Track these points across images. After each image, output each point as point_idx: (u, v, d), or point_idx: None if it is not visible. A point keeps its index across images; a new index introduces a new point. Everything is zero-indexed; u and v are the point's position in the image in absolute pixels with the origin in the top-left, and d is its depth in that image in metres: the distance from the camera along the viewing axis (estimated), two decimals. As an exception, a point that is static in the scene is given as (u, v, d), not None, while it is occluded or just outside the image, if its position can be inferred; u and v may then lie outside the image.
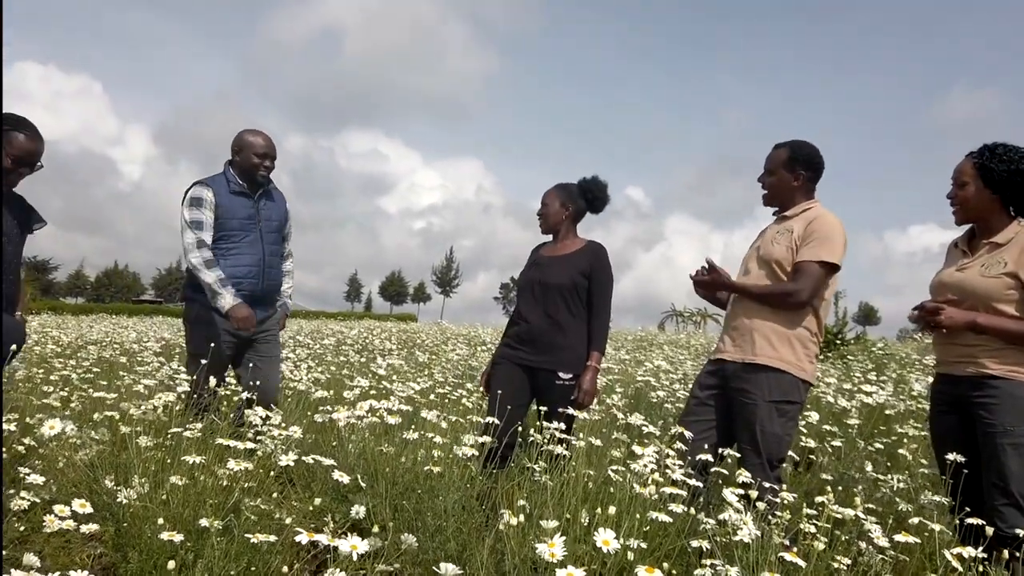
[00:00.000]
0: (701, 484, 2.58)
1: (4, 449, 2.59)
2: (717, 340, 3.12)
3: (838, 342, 10.00)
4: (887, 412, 4.88)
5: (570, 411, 2.98)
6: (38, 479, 2.20)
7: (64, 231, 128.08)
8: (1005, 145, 2.62)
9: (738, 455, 2.80)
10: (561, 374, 3.26)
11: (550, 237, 3.61)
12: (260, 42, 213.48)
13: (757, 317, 2.89)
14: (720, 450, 2.83)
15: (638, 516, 2.03)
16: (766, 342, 2.85)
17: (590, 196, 3.57)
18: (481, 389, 3.73)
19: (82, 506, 1.99)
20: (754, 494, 2.26)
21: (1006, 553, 2.15)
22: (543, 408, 3.08)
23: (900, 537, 1.93)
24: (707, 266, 2.99)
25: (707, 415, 2.98)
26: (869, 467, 3.55)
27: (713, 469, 2.71)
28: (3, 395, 2.47)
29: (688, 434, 2.83)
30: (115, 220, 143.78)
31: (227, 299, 3.51)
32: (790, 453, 3.63)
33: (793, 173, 2.97)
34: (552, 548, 1.74)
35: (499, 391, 3.23)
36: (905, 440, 3.96)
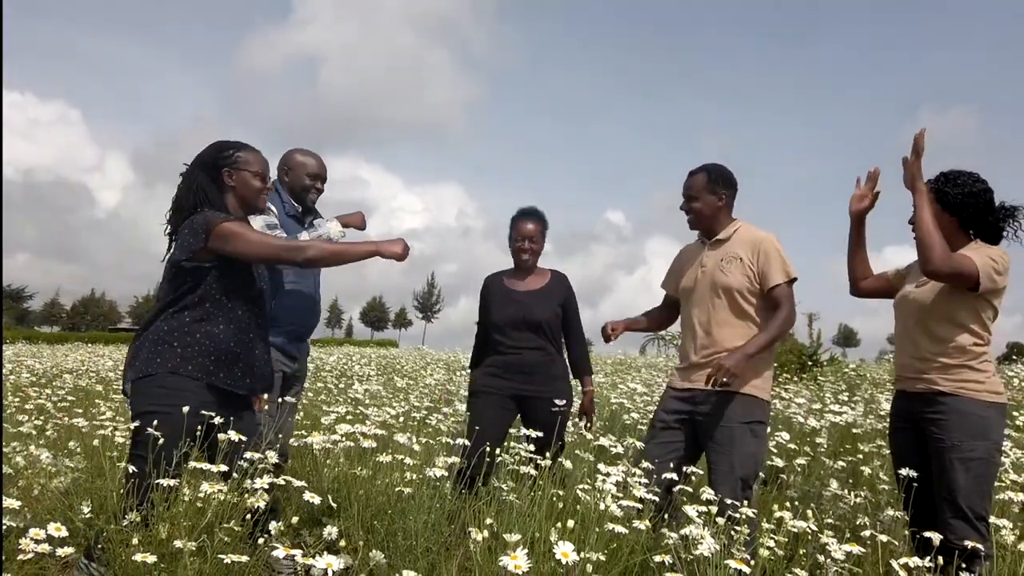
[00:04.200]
0: (664, 501, 2.66)
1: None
2: (677, 367, 3.17)
3: (810, 364, 10.15)
4: (854, 431, 4.99)
5: (572, 432, 3.06)
6: (14, 503, 2.23)
7: (39, 259, 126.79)
8: (958, 171, 2.76)
9: (704, 475, 2.90)
10: (556, 401, 3.38)
11: (510, 266, 3.72)
12: (238, 68, 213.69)
13: (728, 347, 2.95)
14: (684, 468, 2.90)
15: (597, 530, 2.10)
16: (744, 370, 2.92)
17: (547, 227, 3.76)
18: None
19: (57, 530, 2.03)
20: (715, 509, 2.35)
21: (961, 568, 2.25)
22: (533, 433, 3.19)
23: (847, 547, 2.01)
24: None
25: (672, 438, 3.03)
26: (834, 484, 3.64)
27: (677, 488, 2.78)
28: (2, 402, 2.46)
29: (639, 444, 2.92)
30: (91, 248, 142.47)
31: (333, 225, 3.24)
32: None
33: (716, 195, 3.08)
34: (515, 560, 1.81)
35: (485, 419, 3.32)
36: (871, 457, 4.06)
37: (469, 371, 3.84)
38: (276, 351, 3.18)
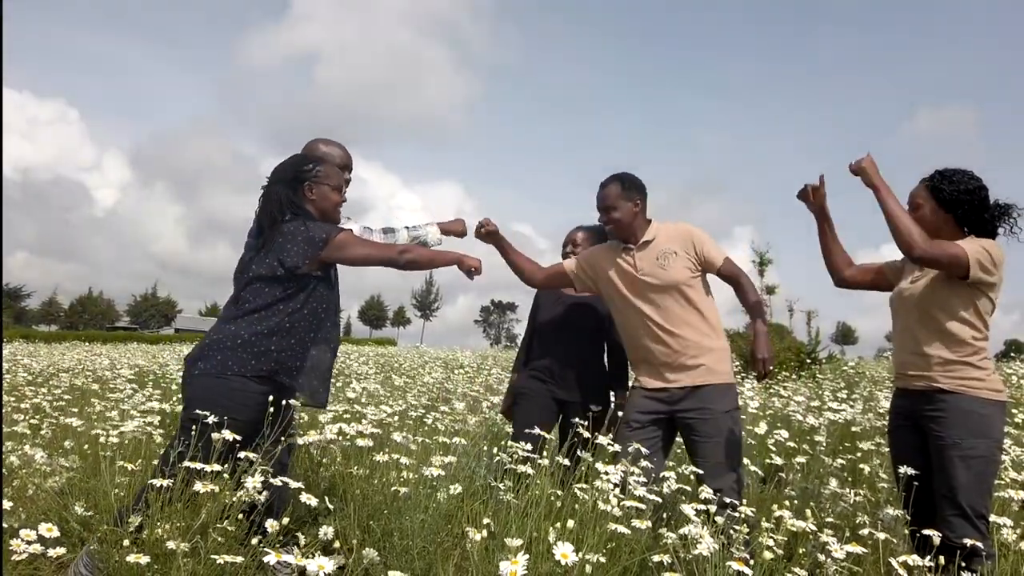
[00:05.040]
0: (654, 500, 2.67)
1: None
2: (646, 371, 3.20)
3: (809, 361, 10.15)
4: (853, 429, 4.98)
5: (600, 440, 3.08)
6: (5, 504, 2.21)
7: (38, 257, 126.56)
8: (954, 169, 2.78)
9: (700, 472, 2.92)
10: (592, 407, 3.43)
11: None
12: (236, 66, 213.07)
13: (689, 345, 3.09)
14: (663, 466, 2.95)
15: (596, 530, 2.08)
16: (711, 361, 3.09)
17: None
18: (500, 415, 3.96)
19: (49, 530, 2.01)
20: (713, 508, 2.34)
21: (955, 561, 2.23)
22: (538, 432, 3.19)
23: (848, 547, 1.99)
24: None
25: (648, 435, 3.10)
26: (834, 483, 3.63)
27: (675, 487, 2.77)
28: (2, 402, 2.45)
29: (644, 450, 2.92)
30: (89, 246, 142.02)
31: (432, 229, 3.36)
32: (755, 469, 3.74)
33: (632, 201, 3.20)
34: (515, 566, 1.79)
35: (529, 421, 3.36)
36: (870, 455, 4.04)
37: (512, 372, 3.91)
38: None
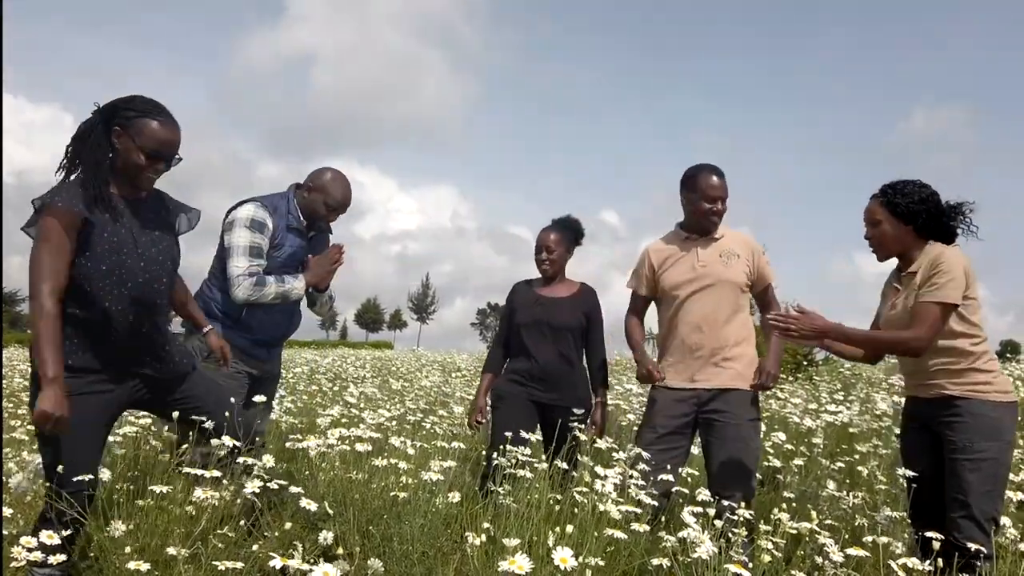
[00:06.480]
0: (664, 505, 2.67)
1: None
2: (676, 368, 3.17)
3: (806, 363, 10.16)
4: (851, 431, 4.99)
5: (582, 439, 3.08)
6: (5, 511, 2.21)
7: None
8: (903, 181, 2.78)
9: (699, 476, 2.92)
10: (575, 410, 3.41)
11: (536, 274, 3.70)
12: (231, 69, 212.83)
13: (728, 344, 3.10)
14: (681, 471, 2.94)
15: (595, 534, 2.09)
16: (742, 367, 3.10)
17: (578, 236, 3.73)
18: (470, 420, 3.74)
19: (49, 537, 2.00)
20: (712, 511, 2.34)
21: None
22: (533, 437, 3.19)
23: (851, 551, 2.00)
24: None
25: (676, 443, 3.09)
26: (832, 485, 3.63)
27: (675, 489, 2.79)
28: (2, 398, 2.36)
29: (646, 455, 2.91)
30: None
31: (299, 284, 3.11)
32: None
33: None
34: (513, 565, 1.80)
35: (510, 425, 3.29)
36: (868, 457, 4.05)
37: (482, 372, 3.81)
38: (241, 352, 3.11)
